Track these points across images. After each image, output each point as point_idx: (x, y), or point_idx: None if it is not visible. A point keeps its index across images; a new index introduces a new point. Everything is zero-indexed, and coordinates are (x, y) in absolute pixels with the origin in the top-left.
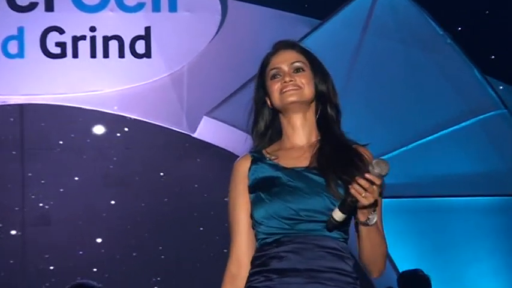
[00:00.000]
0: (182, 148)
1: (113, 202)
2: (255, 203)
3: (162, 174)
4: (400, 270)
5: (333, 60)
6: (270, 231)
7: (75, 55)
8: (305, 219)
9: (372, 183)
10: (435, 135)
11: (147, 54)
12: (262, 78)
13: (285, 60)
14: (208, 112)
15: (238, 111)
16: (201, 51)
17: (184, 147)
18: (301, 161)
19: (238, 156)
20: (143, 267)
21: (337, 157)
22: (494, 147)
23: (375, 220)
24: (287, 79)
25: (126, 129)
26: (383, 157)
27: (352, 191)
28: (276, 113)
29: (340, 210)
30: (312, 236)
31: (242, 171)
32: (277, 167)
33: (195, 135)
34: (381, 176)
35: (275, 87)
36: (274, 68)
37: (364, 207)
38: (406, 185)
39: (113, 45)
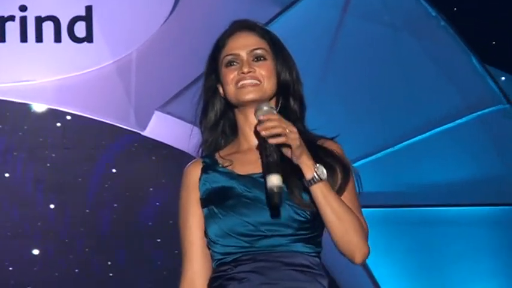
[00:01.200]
0: (130, 148)
1: (48, 211)
2: (207, 219)
3: (106, 178)
4: None
5: (307, 46)
6: (226, 250)
7: (1, 39)
8: (266, 234)
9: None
10: (426, 135)
11: (88, 38)
12: (215, 62)
13: (244, 46)
14: (160, 106)
15: (193, 105)
16: (152, 35)
17: (133, 147)
18: (258, 165)
19: (194, 158)
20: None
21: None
22: (495, 148)
23: (325, 173)
24: (245, 70)
25: (63, 126)
26: (366, 160)
27: (270, 142)
28: (229, 103)
29: (271, 173)
30: (276, 252)
31: (193, 180)
32: (231, 175)
33: (145, 133)
34: (271, 112)
35: (230, 77)
36: (231, 54)
37: (291, 149)
38: (392, 193)
39: (48, 27)
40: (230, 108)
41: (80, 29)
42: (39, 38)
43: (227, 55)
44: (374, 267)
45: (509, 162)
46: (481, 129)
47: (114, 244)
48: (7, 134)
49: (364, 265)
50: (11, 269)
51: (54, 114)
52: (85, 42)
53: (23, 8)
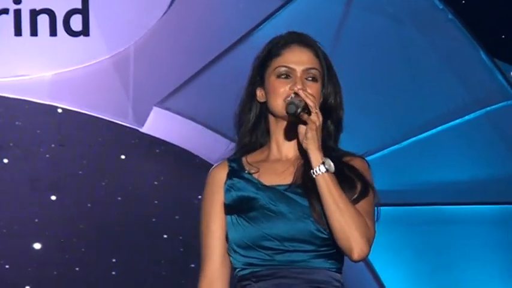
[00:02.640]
0: (128, 145)
1: (44, 209)
2: (229, 226)
3: (103, 176)
4: None
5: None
6: (246, 261)
7: None
8: (288, 249)
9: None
10: (433, 131)
11: (85, 31)
12: (263, 67)
13: (301, 62)
14: (159, 102)
15: (195, 100)
16: (151, 28)
17: (131, 144)
18: (285, 177)
19: (194, 155)
20: (87, 286)
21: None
22: (504, 144)
23: (332, 166)
24: (299, 87)
25: (59, 122)
26: (371, 157)
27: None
28: (265, 110)
29: (295, 105)
30: (297, 268)
31: (218, 181)
32: (257, 186)
33: (143, 129)
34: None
35: (281, 90)
36: (286, 67)
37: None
38: (399, 191)
39: (43, 20)
40: (264, 115)
41: (76, 22)
42: (34, 32)
43: (281, 66)
44: (379, 268)
45: None
46: (489, 125)
47: (111, 245)
48: (1, 131)
49: (369, 265)
50: (7, 267)
51: (49, 110)
52: (81, 36)
53: (17, 1)
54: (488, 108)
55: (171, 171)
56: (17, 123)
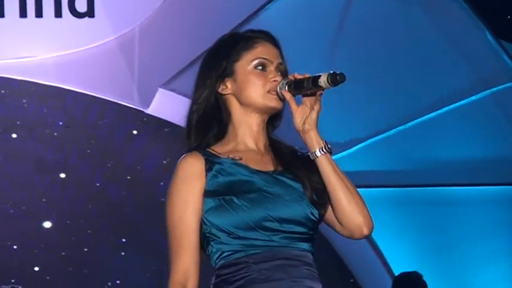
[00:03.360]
0: (133, 126)
1: (50, 190)
2: (219, 210)
3: (109, 158)
4: (396, 273)
5: (317, 21)
6: (244, 243)
7: (0, 14)
8: (285, 230)
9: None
10: (439, 112)
11: (90, 13)
12: (230, 60)
13: (275, 57)
14: (164, 83)
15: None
16: (156, 9)
17: (136, 125)
18: (265, 164)
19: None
20: (96, 267)
21: (299, 162)
22: (509, 125)
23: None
24: (278, 79)
25: (65, 103)
26: (376, 138)
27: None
28: (225, 101)
29: (308, 83)
30: (295, 250)
31: (195, 171)
32: (250, 170)
33: (148, 110)
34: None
35: (260, 82)
36: (263, 59)
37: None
38: (404, 172)
39: (48, 2)
40: (224, 107)
41: (81, 4)
42: (39, 13)
43: (259, 58)
44: (384, 247)
45: None
46: (495, 106)
47: (117, 228)
48: (6, 112)
49: (373, 244)
50: (15, 247)
51: (54, 92)
52: (86, 17)
53: None
54: (494, 89)
55: (176, 153)
56: (22, 104)
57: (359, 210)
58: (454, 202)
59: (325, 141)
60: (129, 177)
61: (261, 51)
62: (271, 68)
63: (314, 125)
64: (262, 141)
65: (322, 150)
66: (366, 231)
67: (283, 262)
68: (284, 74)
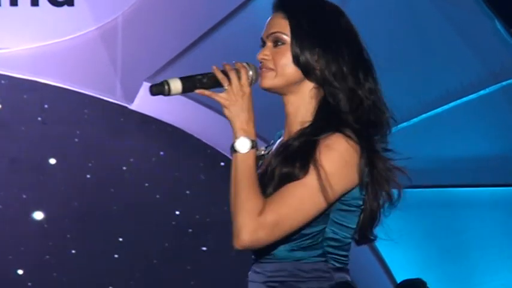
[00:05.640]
0: (116, 123)
1: (24, 196)
2: None
3: (90, 157)
4: (398, 280)
5: None
6: None
7: None
8: None
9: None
10: (445, 107)
11: (69, 1)
12: None
13: (267, 29)
14: (149, 77)
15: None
16: None
17: (119, 122)
18: None
19: (188, 134)
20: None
21: (274, 163)
22: None
23: (245, 147)
24: (260, 57)
25: (41, 98)
26: None
27: (220, 75)
28: None
29: (184, 82)
30: None
31: None
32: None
33: (132, 106)
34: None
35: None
36: (261, 39)
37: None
38: (408, 172)
39: None
40: None
41: None
42: (14, 2)
43: (261, 37)
44: (385, 252)
45: None
46: (505, 100)
47: (108, 223)
48: None
49: (374, 248)
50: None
51: (31, 86)
52: (65, 6)
53: None
54: (504, 83)
55: (162, 150)
56: None
57: (234, 220)
58: (461, 204)
59: (240, 138)
60: (112, 177)
61: (265, 27)
62: (265, 44)
63: (227, 116)
64: (289, 127)
65: (232, 148)
66: (233, 243)
67: None
68: (281, 40)
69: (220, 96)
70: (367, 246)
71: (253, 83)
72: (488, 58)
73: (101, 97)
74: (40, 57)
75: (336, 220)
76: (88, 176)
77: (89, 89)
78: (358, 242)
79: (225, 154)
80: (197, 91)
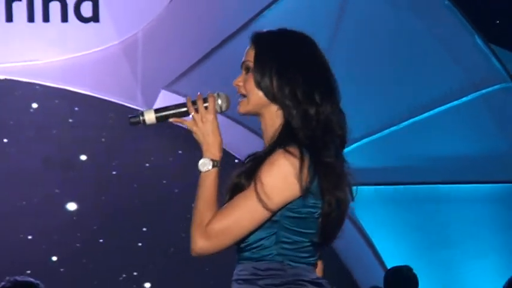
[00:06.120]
0: (137, 127)
1: (56, 191)
2: None
3: (114, 157)
4: (389, 267)
5: (312, 25)
6: None
7: (9, 19)
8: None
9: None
10: (430, 113)
11: (95, 18)
12: None
13: (243, 58)
14: (166, 85)
15: (201, 84)
16: (158, 15)
17: (140, 126)
18: None
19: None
20: (89, 273)
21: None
22: (498, 126)
23: (205, 167)
24: (234, 83)
25: (70, 105)
26: (371, 138)
27: (189, 104)
28: None
29: (157, 113)
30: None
31: None
32: None
33: None
34: (219, 109)
35: None
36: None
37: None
38: (397, 170)
39: (55, 7)
40: None
41: (87, 9)
42: (46, 18)
43: None
44: (378, 242)
45: None
46: (485, 107)
47: (122, 222)
48: (15, 113)
49: (368, 240)
50: (30, 238)
51: (61, 94)
52: (91, 22)
53: None
54: (484, 91)
55: (179, 152)
56: (30, 106)
57: (191, 231)
58: (446, 199)
59: (203, 159)
60: (135, 174)
61: None
62: (242, 71)
63: (197, 139)
64: (264, 144)
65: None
66: (191, 251)
67: None
68: (248, 68)
69: (188, 122)
70: (361, 237)
71: (223, 110)
72: (469, 69)
73: (124, 103)
74: (69, 67)
75: (286, 226)
76: (114, 172)
77: (113, 96)
78: (319, 245)
79: (233, 154)
80: (170, 120)
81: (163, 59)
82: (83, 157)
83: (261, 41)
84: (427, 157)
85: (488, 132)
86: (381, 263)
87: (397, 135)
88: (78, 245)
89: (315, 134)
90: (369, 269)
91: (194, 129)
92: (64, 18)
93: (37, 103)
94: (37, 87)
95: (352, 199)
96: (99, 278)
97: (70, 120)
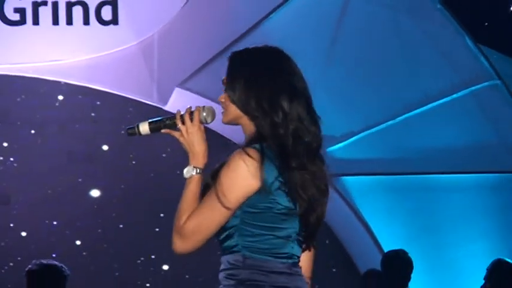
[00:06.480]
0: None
1: (79, 180)
2: None
3: (131, 150)
4: (386, 251)
5: (315, 26)
6: None
7: (35, 22)
8: None
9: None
10: (424, 108)
11: (114, 21)
12: None
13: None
14: (180, 83)
15: (213, 82)
16: (173, 17)
17: (136, 136)
18: None
19: (214, 132)
20: (110, 257)
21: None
22: (487, 120)
23: (188, 173)
24: (218, 99)
25: (91, 101)
26: (369, 131)
27: (177, 117)
28: None
29: (150, 125)
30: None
31: None
32: None
33: (166, 107)
34: (204, 121)
35: None
36: None
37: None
38: (393, 161)
39: (77, 11)
40: None
41: (107, 13)
42: (69, 21)
43: None
44: (376, 228)
45: (500, 133)
46: (474, 102)
47: (137, 215)
48: (41, 110)
49: (367, 226)
50: (55, 223)
51: (83, 91)
52: (111, 25)
53: None
54: (473, 88)
55: None
56: (55, 103)
57: None
58: (439, 188)
59: (187, 168)
60: (152, 164)
61: None
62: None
63: (185, 149)
64: None
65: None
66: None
67: None
68: (224, 84)
69: (176, 134)
70: (360, 224)
71: (208, 121)
72: (459, 67)
73: (140, 100)
74: (91, 67)
75: (246, 220)
76: (133, 162)
77: (131, 93)
78: (299, 241)
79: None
80: (162, 131)
81: (178, 59)
82: (105, 147)
83: (233, 59)
84: (422, 149)
85: (478, 126)
86: (379, 247)
87: (393, 129)
88: (99, 230)
89: (283, 141)
90: (367, 253)
91: (181, 139)
92: (86, 21)
93: (62, 99)
94: (61, 85)
95: (327, 200)
96: (119, 261)
97: (92, 115)
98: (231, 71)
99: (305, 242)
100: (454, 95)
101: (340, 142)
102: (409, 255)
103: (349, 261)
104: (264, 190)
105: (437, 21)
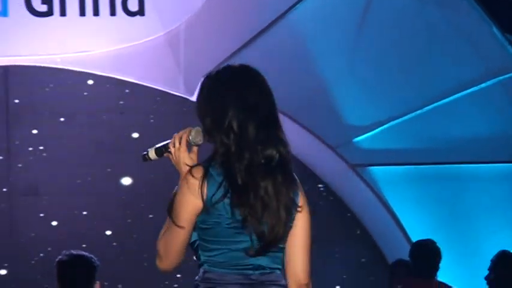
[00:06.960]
0: (180, 112)
1: (108, 170)
2: None
3: (158, 140)
4: (414, 241)
5: (341, 17)
6: None
7: (62, 13)
8: None
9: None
10: (452, 98)
11: (141, 11)
12: None
13: None
14: (207, 73)
15: None
16: (200, 8)
17: (182, 111)
18: None
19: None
20: (139, 247)
21: None
22: None
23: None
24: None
25: (119, 92)
26: (396, 121)
27: (172, 141)
28: None
29: (156, 151)
30: None
31: None
32: None
33: (193, 98)
34: (193, 142)
35: None
36: None
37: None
38: (421, 151)
39: (104, 2)
40: None
41: (133, 4)
42: (96, 12)
43: None
44: (403, 218)
45: None
46: (501, 92)
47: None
48: (68, 100)
49: (394, 216)
50: (85, 213)
51: (110, 82)
52: (138, 16)
53: None
54: (501, 78)
55: None
56: (83, 93)
57: None
58: (466, 178)
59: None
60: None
61: None
62: None
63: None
64: None
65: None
66: None
67: None
68: None
69: (169, 156)
70: (388, 214)
71: (197, 142)
72: (487, 57)
73: (167, 90)
74: (118, 57)
75: (202, 236)
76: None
77: (158, 83)
78: (256, 251)
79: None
80: (165, 155)
81: (204, 49)
82: (135, 135)
83: (201, 83)
84: (449, 139)
85: (506, 115)
86: (407, 237)
87: (420, 118)
88: (129, 220)
89: (230, 159)
90: (395, 243)
91: (172, 161)
92: (112, 12)
93: (89, 89)
94: (88, 76)
95: (289, 213)
96: (148, 251)
97: (121, 103)
98: (197, 94)
99: (263, 253)
100: (482, 85)
101: (367, 132)
102: (437, 244)
103: (377, 251)
104: (207, 207)
105: (464, 11)
